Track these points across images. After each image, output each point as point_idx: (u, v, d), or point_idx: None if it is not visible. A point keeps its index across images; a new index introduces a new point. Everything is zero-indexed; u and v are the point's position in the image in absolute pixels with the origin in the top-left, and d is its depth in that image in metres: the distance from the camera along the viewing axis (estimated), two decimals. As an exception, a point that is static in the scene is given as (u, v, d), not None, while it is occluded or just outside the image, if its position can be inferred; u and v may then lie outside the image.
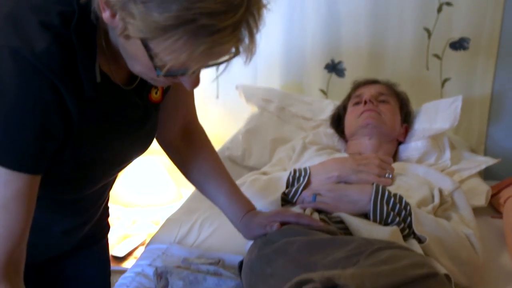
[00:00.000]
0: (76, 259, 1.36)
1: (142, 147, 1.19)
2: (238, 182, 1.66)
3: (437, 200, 1.44)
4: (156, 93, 1.12)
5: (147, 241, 1.69)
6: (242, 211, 1.30)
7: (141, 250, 2.03)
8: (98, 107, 0.99)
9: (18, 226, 0.92)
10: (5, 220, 0.90)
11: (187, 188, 2.39)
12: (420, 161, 1.80)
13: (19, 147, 0.89)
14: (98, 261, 1.44)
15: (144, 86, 1.08)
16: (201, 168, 1.32)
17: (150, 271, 1.42)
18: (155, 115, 1.16)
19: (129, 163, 1.21)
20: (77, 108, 0.93)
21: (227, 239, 1.65)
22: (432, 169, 1.61)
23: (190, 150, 1.32)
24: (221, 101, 2.45)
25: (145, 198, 2.33)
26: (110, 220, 1.47)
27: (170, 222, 1.79)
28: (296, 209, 1.40)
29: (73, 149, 0.99)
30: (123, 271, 1.46)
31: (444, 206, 1.46)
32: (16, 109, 0.87)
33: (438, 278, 0.86)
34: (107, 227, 1.47)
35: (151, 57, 0.83)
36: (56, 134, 0.93)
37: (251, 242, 1.40)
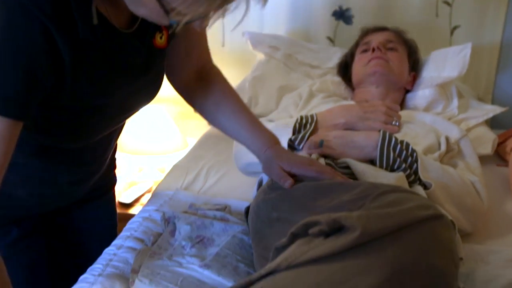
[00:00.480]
0: (83, 210, 1.38)
1: (148, 95, 1.16)
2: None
3: (443, 147, 1.44)
4: (160, 38, 1.08)
5: (153, 189, 1.70)
6: (264, 144, 1.22)
7: (147, 197, 2.05)
8: (95, 51, 0.95)
9: None
10: None
11: (193, 137, 2.39)
12: (427, 109, 1.79)
13: (2, 89, 0.86)
14: (105, 212, 1.46)
15: (147, 30, 1.05)
16: (219, 105, 1.26)
17: (157, 216, 1.43)
18: (161, 61, 1.13)
19: (135, 112, 1.19)
20: (71, 51, 0.90)
21: (233, 186, 1.66)
22: (439, 117, 1.60)
23: (207, 90, 1.26)
24: (227, 49, 2.42)
25: (151, 146, 2.34)
26: (117, 166, 1.48)
27: (176, 169, 1.80)
28: (303, 154, 1.41)
29: (71, 95, 0.96)
30: (130, 217, 1.48)
31: (450, 154, 1.46)
32: (1, 50, 0.84)
33: (444, 219, 0.87)
34: (114, 179, 1.48)
35: (167, 12, 0.81)
36: (44, 80, 0.90)
37: (256, 190, 1.41)
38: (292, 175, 1.14)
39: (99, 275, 1.17)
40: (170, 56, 1.16)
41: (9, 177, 0.91)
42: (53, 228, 1.33)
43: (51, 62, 0.88)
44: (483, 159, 1.62)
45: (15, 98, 0.87)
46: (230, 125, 1.26)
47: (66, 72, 0.92)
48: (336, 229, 0.80)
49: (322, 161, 1.34)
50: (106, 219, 1.45)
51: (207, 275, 1.14)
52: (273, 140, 1.24)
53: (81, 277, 1.17)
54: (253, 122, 1.25)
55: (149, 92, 1.16)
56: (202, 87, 1.26)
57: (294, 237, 0.86)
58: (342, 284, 0.74)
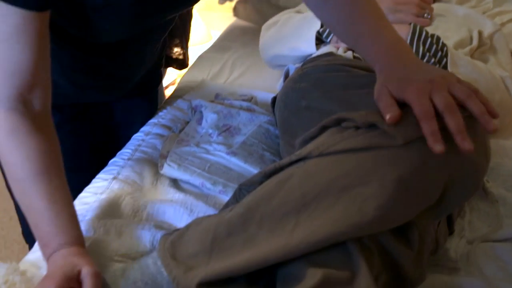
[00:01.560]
0: (126, 105, 1.39)
1: None
2: (271, 20, 1.63)
3: (475, 42, 1.41)
4: None
5: (177, 81, 1.70)
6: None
7: (171, 89, 2.06)
8: None
9: (25, 63, 0.86)
10: (9, 56, 0.85)
11: (217, 29, 2.36)
12: (461, 2, 1.73)
13: None
14: (147, 109, 1.46)
15: None
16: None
17: (184, 105, 1.45)
18: None
19: (177, 11, 1.15)
20: None
21: (259, 78, 1.66)
22: (473, 11, 1.55)
23: None
24: None
25: (176, 38, 2.32)
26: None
27: (202, 60, 1.80)
28: (330, 47, 1.39)
29: None
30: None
31: (482, 49, 1.43)
32: None
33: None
34: (159, 77, 1.47)
35: None
36: None
37: (283, 82, 1.40)
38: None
39: (129, 159, 1.20)
40: None
41: (51, 65, 0.91)
42: (95, 117, 1.35)
43: None
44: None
45: None
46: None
47: None
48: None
49: (350, 54, 1.32)
50: (147, 116, 1.44)
51: (234, 162, 1.17)
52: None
53: (111, 161, 1.21)
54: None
55: None
56: None
57: (323, 129, 0.86)
58: (371, 174, 0.75)
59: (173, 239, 0.83)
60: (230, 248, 0.78)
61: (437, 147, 0.70)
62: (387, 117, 0.76)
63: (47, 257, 0.84)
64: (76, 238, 0.85)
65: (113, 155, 1.23)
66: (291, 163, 0.83)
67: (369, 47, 0.91)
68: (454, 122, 0.72)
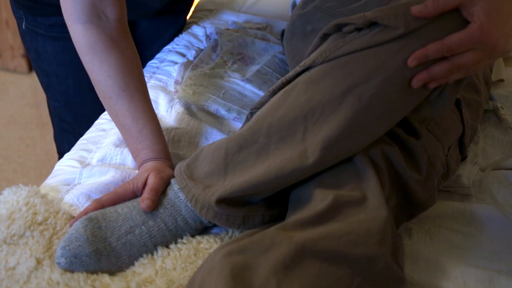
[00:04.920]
0: (153, 23, 1.38)
1: None
2: None
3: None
4: None
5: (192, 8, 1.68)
6: None
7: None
8: None
9: None
10: None
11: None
12: None
13: None
14: (173, 30, 1.45)
15: None
16: None
17: (199, 31, 1.43)
18: None
19: None
20: None
21: (274, 5, 1.63)
22: None
23: None
24: None
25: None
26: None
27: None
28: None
29: None
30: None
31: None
32: None
33: None
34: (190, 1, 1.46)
35: None
36: None
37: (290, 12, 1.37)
38: None
39: (144, 86, 1.20)
40: None
41: None
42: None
43: None
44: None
45: None
46: None
47: None
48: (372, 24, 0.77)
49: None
50: (169, 39, 1.42)
51: (249, 88, 1.17)
52: None
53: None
54: None
55: None
56: None
57: (325, 37, 0.84)
58: (374, 70, 0.75)
59: (189, 162, 0.84)
60: (244, 162, 0.79)
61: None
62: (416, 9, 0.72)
63: (138, 167, 0.91)
64: (157, 151, 0.90)
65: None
66: (297, 75, 0.83)
67: None
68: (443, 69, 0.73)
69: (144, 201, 0.80)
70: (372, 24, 0.76)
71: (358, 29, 0.78)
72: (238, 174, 0.79)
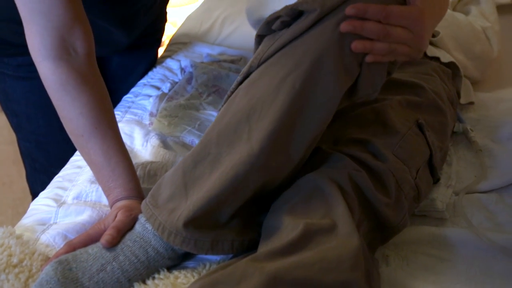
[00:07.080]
0: (124, 58, 1.38)
1: None
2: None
3: (457, -6, 1.41)
4: None
5: (166, 42, 1.69)
6: None
7: (160, 50, 2.05)
8: None
9: (62, 12, 0.86)
10: (44, 7, 0.86)
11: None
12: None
13: None
14: (144, 66, 1.45)
15: None
16: None
17: (173, 65, 1.44)
18: None
19: None
20: None
21: (249, 37, 1.64)
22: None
23: None
24: None
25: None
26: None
27: (190, 21, 1.78)
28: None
29: None
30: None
31: (465, 0, 1.43)
32: None
33: None
34: (161, 32, 1.46)
35: None
36: None
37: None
38: None
39: (119, 121, 1.21)
40: None
41: None
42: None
43: None
44: (502, 8, 1.58)
45: None
46: None
47: None
48: (297, 17, 0.81)
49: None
50: (143, 73, 1.44)
51: (224, 120, 1.18)
52: None
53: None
54: None
55: None
56: None
57: (260, 40, 0.87)
58: (303, 56, 0.77)
59: (152, 192, 0.84)
60: (201, 176, 0.79)
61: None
62: None
63: (110, 205, 0.90)
64: (130, 190, 0.89)
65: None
66: (239, 84, 0.85)
67: None
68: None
69: (104, 237, 0.80)
70: (297, 16, 0.80)
71: (288, 25, 0.81)
72: (197, 190, 0.79)
